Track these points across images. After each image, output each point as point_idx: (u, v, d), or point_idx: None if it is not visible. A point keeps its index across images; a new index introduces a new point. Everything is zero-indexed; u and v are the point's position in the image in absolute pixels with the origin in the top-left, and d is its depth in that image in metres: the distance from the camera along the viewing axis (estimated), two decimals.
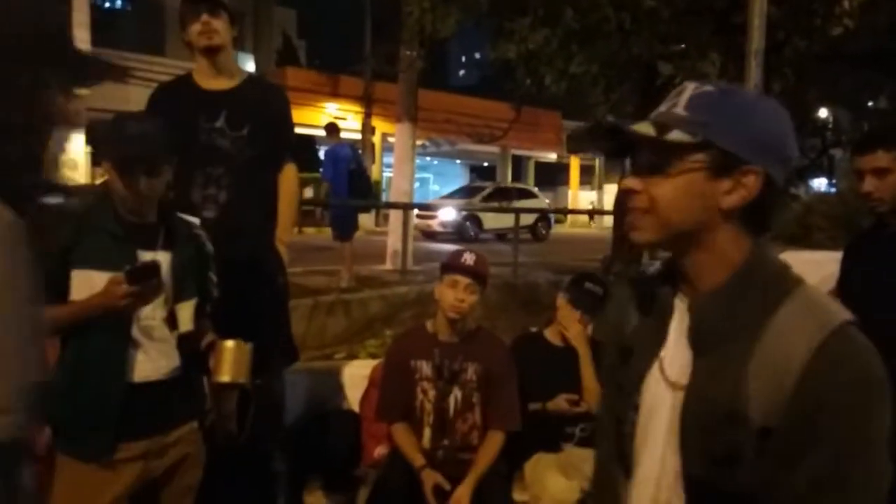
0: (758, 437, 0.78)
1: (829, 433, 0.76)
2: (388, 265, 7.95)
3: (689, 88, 0.85)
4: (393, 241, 8.03)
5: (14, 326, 0.61)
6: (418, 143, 12.58)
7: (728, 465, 0.81)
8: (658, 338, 0.91)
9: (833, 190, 14.79)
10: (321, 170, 6.95)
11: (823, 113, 12.67)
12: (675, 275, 0.91)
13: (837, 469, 0.76)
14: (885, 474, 0.78)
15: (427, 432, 2.25)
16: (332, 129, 7.12)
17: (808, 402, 0.76)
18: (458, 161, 26.96)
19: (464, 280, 2.19)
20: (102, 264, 1.54)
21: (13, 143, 0.72)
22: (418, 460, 2.17)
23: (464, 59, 52.39)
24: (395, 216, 8.20)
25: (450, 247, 2.41)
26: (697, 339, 0.86)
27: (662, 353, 0.90)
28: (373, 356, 4.03)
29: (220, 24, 2.21)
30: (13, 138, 0.72)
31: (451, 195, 17.21)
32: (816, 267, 2.65)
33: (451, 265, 2.24)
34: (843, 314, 0.80)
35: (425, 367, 2.25)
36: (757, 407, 0.79)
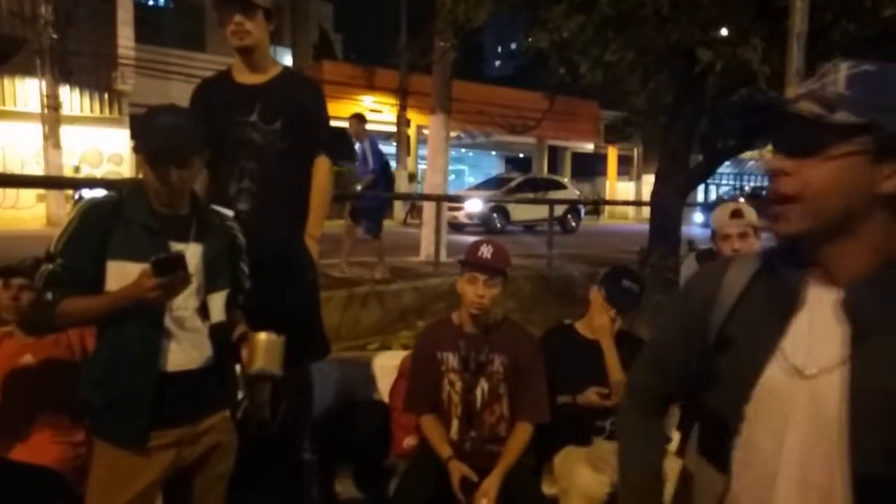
0: None
1: None
2: (422, 257, 7.98)
3: (845, 67, 0.80)
4: (426, 233, 8.05)
5: None
6: (453, 134, 12.57)
7: None
8: (779, 327, 0.86)
9: None
10: (357, 163, 6.91)
11: None
12: (803, 260, 0.86)
13: None
14: None
15: (455, 424, 2.25)
16: (362, 120, 7.08)
17: None
18: (493, 153, 26.83)
19: (482, 276, 2.18)
20: (136, 256, 1.58)
21: None
22: (446, 451, 2.18)
23: (499, 49, 52.01)
24: (428, 208, 8.22)
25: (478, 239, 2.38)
26: (857, 324, 0.81)
27: (785, 344, 0.85)
28: (405, 347, 4.05)
29: (253, 25, 2.23)
30: None
31: (479, 186, 17.11)
32: None
33: (468, 261, 2.22)
34: None
35: (451, 359, 2.25)
36: None
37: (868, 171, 0.78)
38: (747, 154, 18.40)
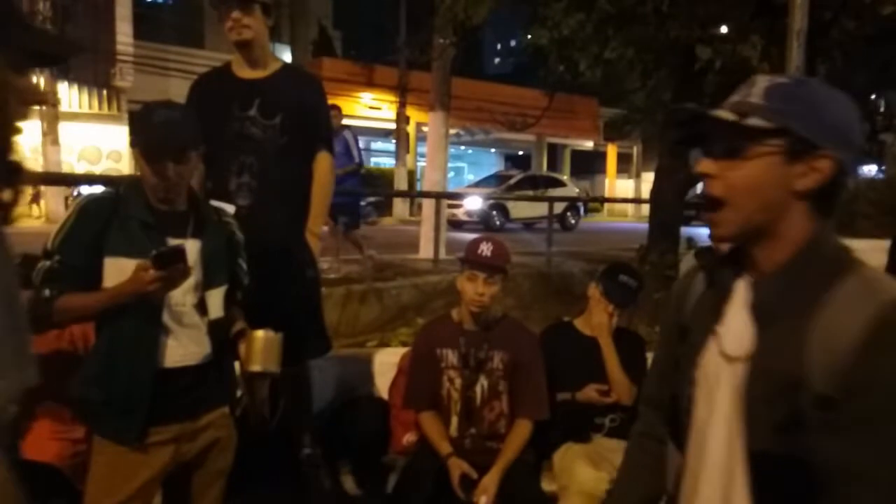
0: (819, 404, 0.82)
1: (889, 408, 0.80)
2: (421, 254, 7.97)
3: (763, 80, 0.90)
4: (426, 231, 8.04)
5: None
6: (452, 131, 12.55)
7: (791, 432, 0.84)
8: (717, 314, 0.95)
9: (882, 177, 14.22)
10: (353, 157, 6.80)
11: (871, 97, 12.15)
12: (741, 258, 0.96)
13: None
14: None
15: (454, 420, 2.25)
16: (339, 112, 6.80)
17: (868, 376, 0.80)
18: (492, 150, 26.83)
19: (482, 274, 2.17)
20: (133, 252, 1.57)
21: None
22: (445, 448, 2.18)
23: (499, 46, 51.95)
24: (427, 205, 8.22)
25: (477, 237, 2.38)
26: (761, 313, 0.90)
27: (720, 329, 0.94)
28: (404, 344, 4.05)
29: (251, 20, 2.23)
30: None
31: (479, 184, 17.08)
32: (861, 256, 2.56)
33: (468, 259, 2.21)
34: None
35: (451, 356, 2.25)
36: (816, 376, 0.83)
37: (783, 171, 0.87)
38: None
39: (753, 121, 0.87)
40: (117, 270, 1.57)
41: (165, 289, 1.56)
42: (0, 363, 0.64)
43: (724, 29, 6.24)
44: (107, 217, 1.60)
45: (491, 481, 2.10)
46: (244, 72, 2.33)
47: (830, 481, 0.83)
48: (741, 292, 0.94)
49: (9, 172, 0.76)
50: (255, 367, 1.70)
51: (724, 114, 0.88)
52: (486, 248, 2.20)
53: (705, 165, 0.91)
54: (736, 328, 0.93)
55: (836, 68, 6.95)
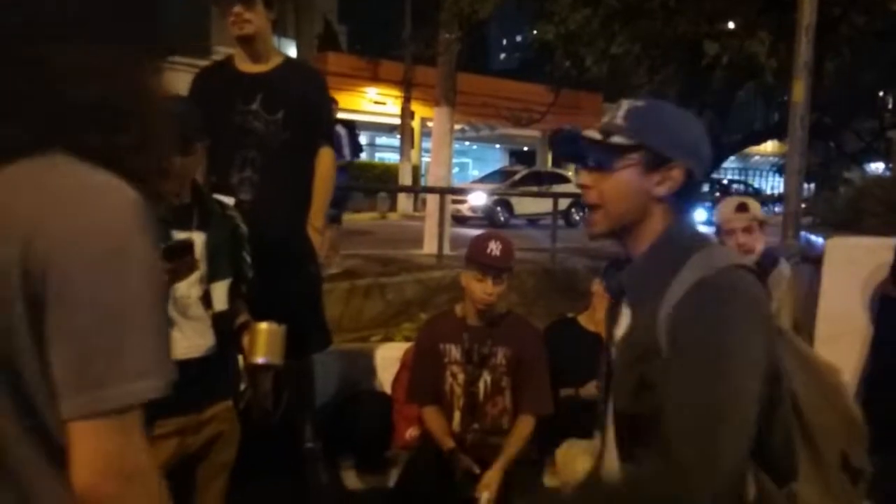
0: (664, 367, 0.94)
1: (688, 348, 0.92)
2: (426, 249, 7.97)
3: (626, 104, 1.06)
4: (430, 226, 8.04)
5: (140, 297, 0.66)
6: (457, 127, 12.53)
7: (642, 392, 0.98)
8: (616, 314, 1.12)
9: (889, 174, 14.13)
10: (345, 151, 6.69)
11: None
12: (624, 259, 1.12)
13: (696, 383, 0.90)
14: (747, 392, 0.89)
15: (457, 416, 2.25)
16: (335, 106, 6.71)
17: (677, 323, 0.93)
18: (497, 146, 26.76)
19: (491, 274, 2.16)
20: None
21: (135, 128, 0.75)
22: (448, 443, 2.18)
23: (504, 42, 51.79)
24: (431, 201, 8.21)
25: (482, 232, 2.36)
26: (630, 297, 1.07)
27: (617, 326, 1.11)
28: (408, 339, 4.05)
29: (252, 14, 2.22)
30: (133, 122, 0.75)
31: (484, 179, 17.04)
32: (868, 254, 2.53)
33: (476, 259, 2.18)
34: (732, 259, 0.99)
35: (454, 351, 2.25)
36: (663, 342, 0.95)
37: (643, 179, 1.03)
38: (752, 149, 18.32)
39: (616, 139, 1.02)
40: None
41: (171, 281, 1.56)
42: (156, 362, 0.67)
43: (731, 24, 6.20)
44: None
45: (493, 477, 2.10)
46: (246, 66, 2.32)
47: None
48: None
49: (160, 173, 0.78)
50: (259, 360, 1.70)
51: (593, 134, 1.05)
52: (495, 248, 2.17)
53: (582, 177, 1.08)
54: (622, 321, 1.09)
55: (844, 65, 6.90)
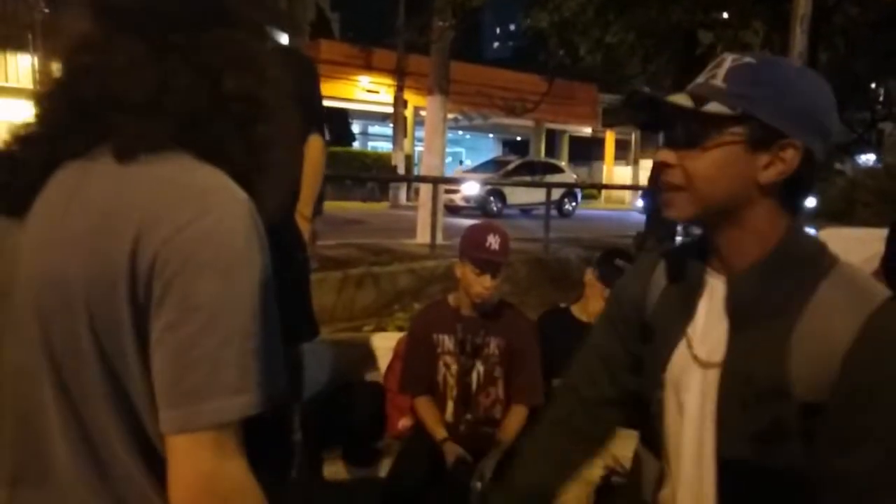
0: (803, 413, 0.77)
1: (884, 418, 0.74)
2: (419, 239, 7.95)
3: (728, 60, 0.83)
4: (423, 216, 8.02)
5: (246, 306, 0.63)
6: (450, 116, 12.50)
7: (771, 441, 0.79)
8: (686, 314, 0.89)
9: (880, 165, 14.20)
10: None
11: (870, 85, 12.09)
12: (707, 250, 0.89)
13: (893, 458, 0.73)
14: None
15: (450, 406, 2.24)
16: None
17: (860, 382, 0.74)
18: (490, 135, 26.73)
19: (490, 270, 2.13)
20: None
21: (264, 122, 0.73)
22: (440, 433, 2.17)
23: (498, 30, 51.55)
24: (424, 191, 8.18)
25: (474, 223, 2.33)
26: (735, 314, 0.84)
27: (690, 331, 0.89)
28: (401, 329, 4.04)
29: None
30: (264, 117, 0.72)
31: (477, 169, 17.02)
32: (859, 245, 2.52)
33: (475, 255, 2.14)
34: (884, 290, 0.79)
35: (447, 341, 2.24)
36: (800, 382, 0.77)
37: (746, 161, 0.80)
38: None
39: (713, 107, 0.79)
40: None
41: None
42: (255, 376, 0.63)
43: (726, 14, 6.18)
44: None
45: (487, 466, 2.10)
46: None
47: (818, 489, 0.78)
48: (712, 290, 0.88)
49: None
50: None
51: (681, 99, 0.81)
52: (493, 242, 2.12)
53: (663, 155, 0.84)
54: (708, 330, 0.87)
55: (837, 55, 6.90)
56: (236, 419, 0.61)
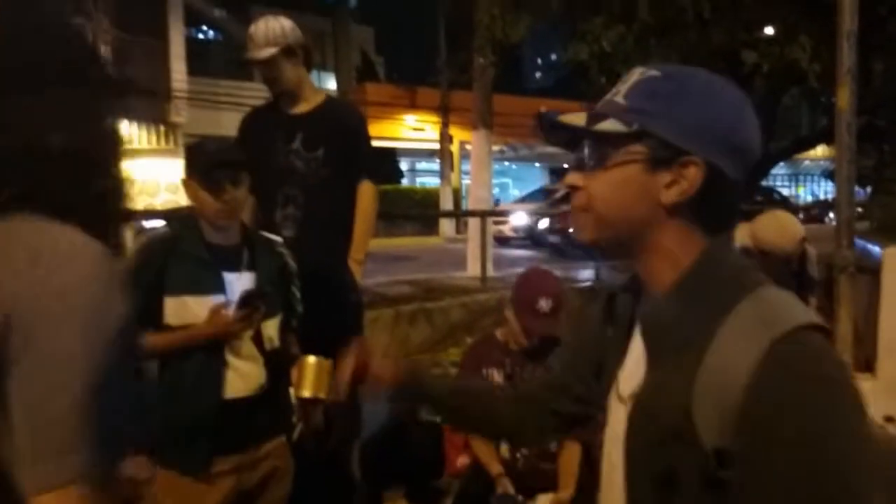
0: (715, 459, 0.66)
1: (789, 459, 0.63)
2: (469, 272, 7.99)
3: (636, 73, 0.77)
4: (472, 248, 8.07)
5: (93, 363, 0.61)
6: (496, 148, 12.59)
7: (671, 487, 0.70)
8: (619, 351, 0.85)
9: None
10: None
11: None
12: (638, 283, 0.83)
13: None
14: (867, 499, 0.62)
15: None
16: None
17: (758, 422, 0.64)
18: (537, 164, 26.71)
19: (538, 332, 2.14)
20: (194, 289, 1.64)
21: (102, 176, 0.75)
22: (496, 469, 2.17)
23: (539, 61, 51.92)
24: (473, 223, 8.24)
25: (524, 253, 2.34)
26: (650, 346, 0.78)
27: (621, 368, 0.84)
28: (455, 364, 4.06)
29: (278, 71, 2.34)
30: (101, 171, 0.76)
31: (525, 199, 16.98)
32: None
33: (525, 323, 2.12)
34: (800, 317, 0.67)
35: (496, 376, 2.25)
36: (705, 424, 0.67)
37: (646, 180, 0.74)
38: (802, 155, 17.73)
39: (607, 125, 0.74)
40: (180, 308, 1.64)
41: (245, 328, 1.63)
42: (102, 432, 0.62)
43: (770, 31, 6.08)
44: (165, 255, 1.66)
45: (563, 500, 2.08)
46: (289, 107, 2.43)
47: None
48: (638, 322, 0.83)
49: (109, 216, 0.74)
50: (306, 393, 1.74)
51: (575, 118, 0.76)
52: (544, 305, 2.08)
53: (570, 177, 0.80)
54: (636, 365, 0.80)
55: (893, 64, 6.66)
56: (78, 477, 0.59)
